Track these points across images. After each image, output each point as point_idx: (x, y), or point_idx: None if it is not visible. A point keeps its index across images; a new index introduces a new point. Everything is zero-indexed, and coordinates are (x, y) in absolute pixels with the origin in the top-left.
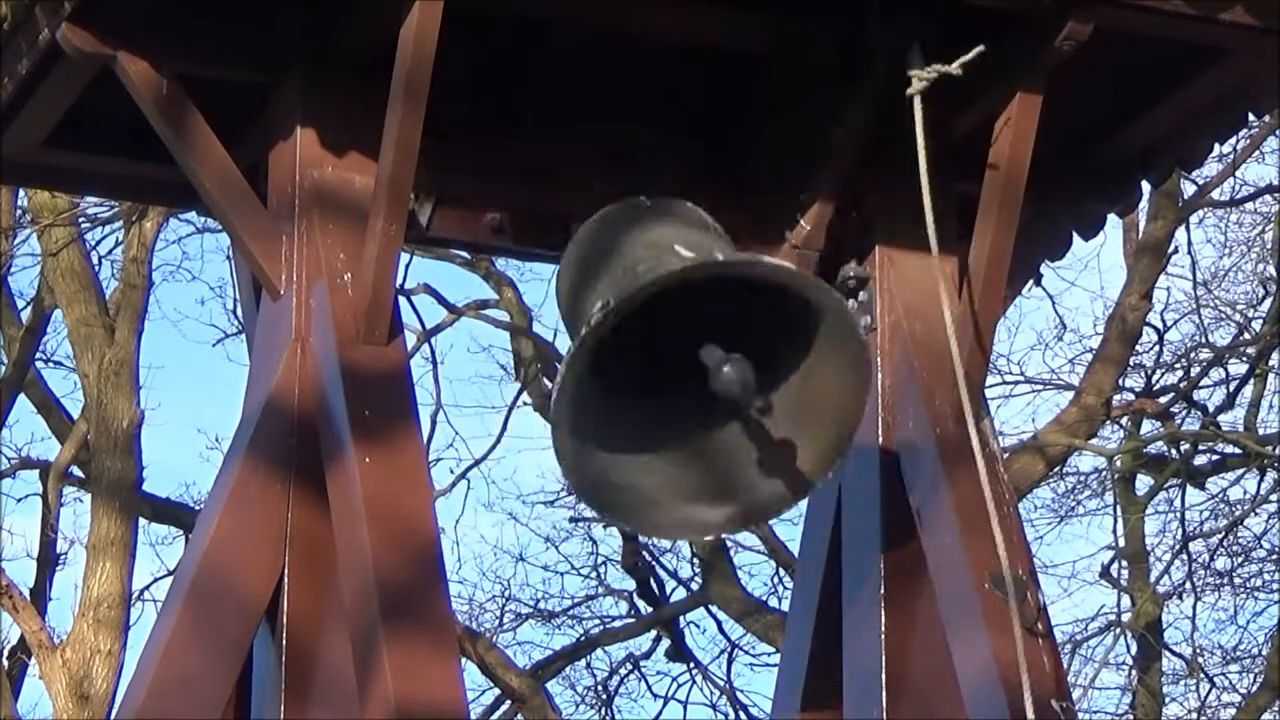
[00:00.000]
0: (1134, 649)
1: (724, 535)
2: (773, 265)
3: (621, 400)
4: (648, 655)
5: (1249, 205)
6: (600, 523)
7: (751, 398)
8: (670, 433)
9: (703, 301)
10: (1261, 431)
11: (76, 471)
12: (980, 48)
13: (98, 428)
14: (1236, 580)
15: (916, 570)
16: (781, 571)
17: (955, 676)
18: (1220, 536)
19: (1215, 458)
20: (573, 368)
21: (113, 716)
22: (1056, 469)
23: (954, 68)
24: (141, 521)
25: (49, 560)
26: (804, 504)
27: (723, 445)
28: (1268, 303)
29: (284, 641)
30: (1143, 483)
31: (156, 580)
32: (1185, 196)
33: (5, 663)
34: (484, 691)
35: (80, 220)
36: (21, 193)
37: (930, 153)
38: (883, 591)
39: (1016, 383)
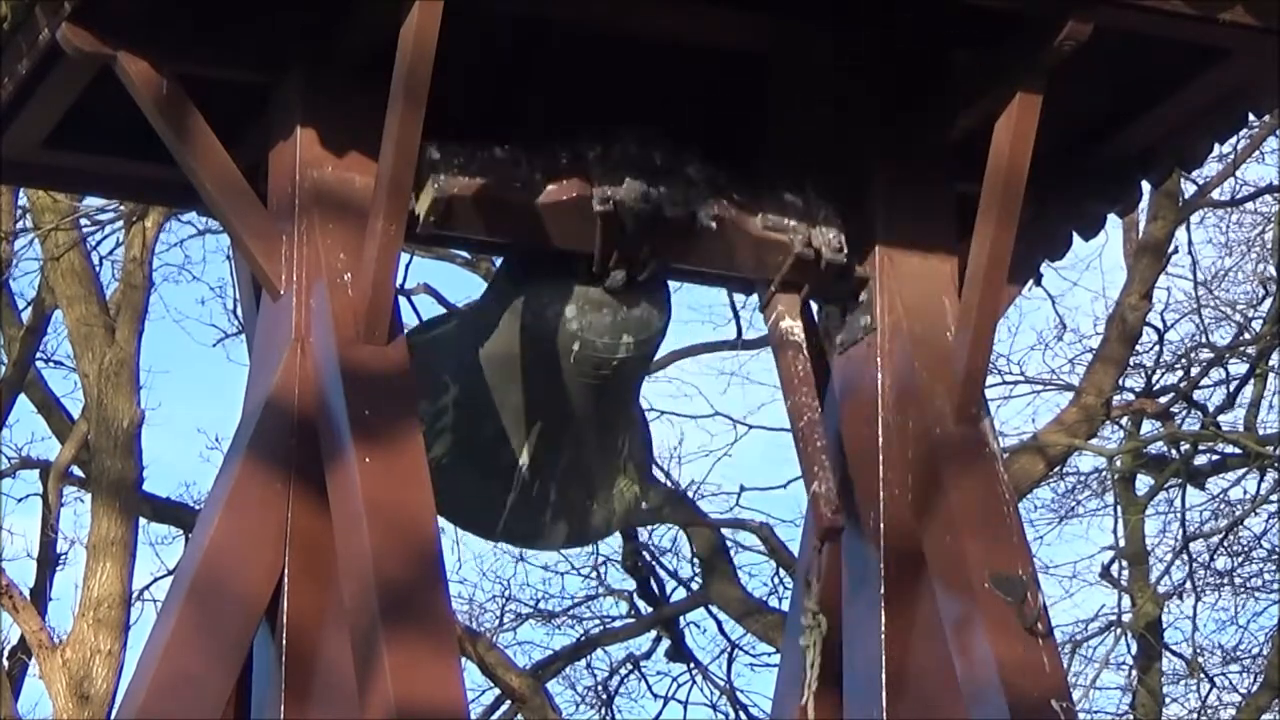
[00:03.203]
0: (1134, 649)
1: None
2: None
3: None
4: (648, 655)
5: (1249, 205)
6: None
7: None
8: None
9: None
10: (1261, 431)
11: (77, 471)
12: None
13: (98, 428)
14: (1236, 580)
15: (916, 570)
16: (781, 571)
17: (955, 676)
18: (1220, 537)
19: (1215, 458)
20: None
21: (113, 716)
22: (1056, 469)
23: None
24: (141, 521)
25: (49, 560)
26: (804, 504)
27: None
28: (1268, 303)
29: (284, 641)
30: (1143, 483)
31: (156, 580)
32: (1185, 196)
33: (5, 663)
34: (484, 691)
35: (81, 221)
36: (22, 193)
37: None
38: (883, 591)
39: (1016, 383)
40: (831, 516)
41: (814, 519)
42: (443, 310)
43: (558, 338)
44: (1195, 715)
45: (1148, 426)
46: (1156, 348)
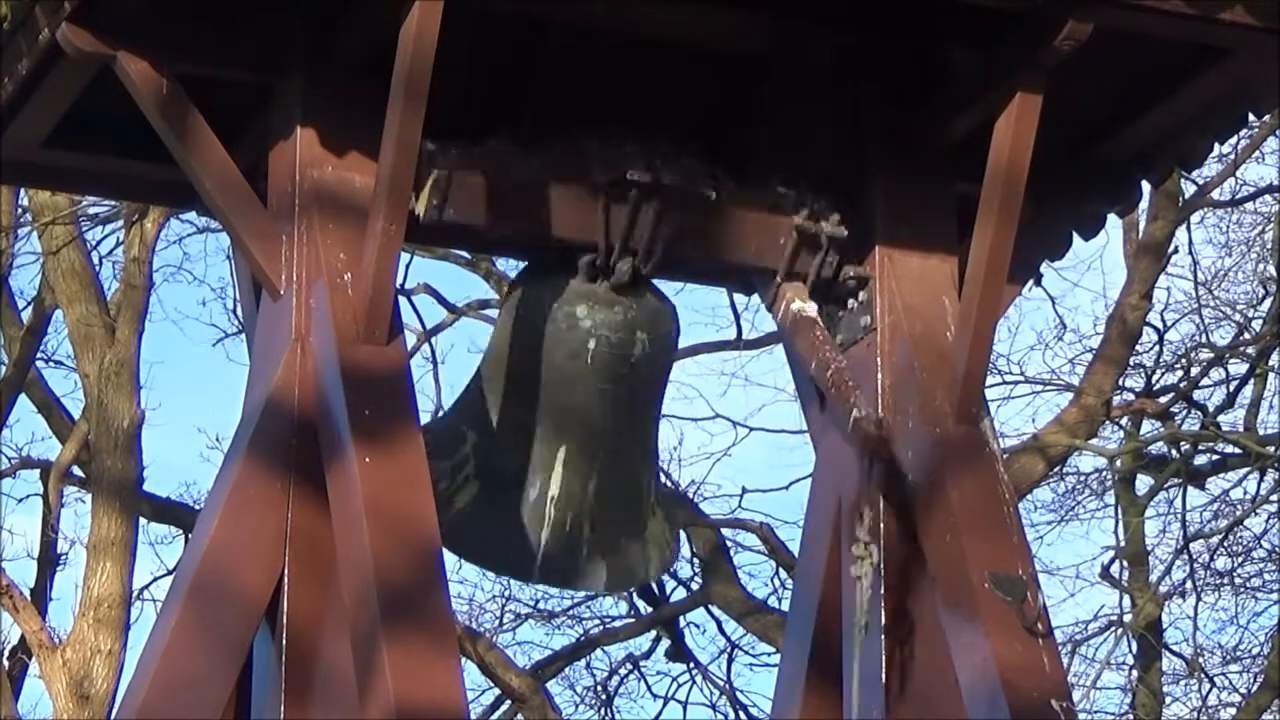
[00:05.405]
0: (1134, 649)
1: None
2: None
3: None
4: (648, 655)
5: (1249, 205)
6: None
7: None
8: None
9: None
10: (1261, 431)
11: (77, 471)
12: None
13: (98, 427)
14: (1237, 580)
15: (916, 570)
16: (782, 572)
17: (955, 676)
18: (1220, 537)
19: (1215, 458)
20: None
21: (113, 716)
22: (1057, 469)
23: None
24: (141, 521)
25: (49, 560)
26: (804, 504)
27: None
28: (1268, 303)
29: (284, 641)
30: (1143, 483)
31: (156, 580)
32: (1185, 196)
33: (5, 663)
34: (484, 691)
35: (81, 220)
36: (22, 193)
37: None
38: (882, 592)
39: (1016, 383)
40: (877, 433)
41: (859, 440)
42: (443, 310)
43: (573, 339)
44: (1195, 715)
45: (1148, 426)
46: (1156, 348)
